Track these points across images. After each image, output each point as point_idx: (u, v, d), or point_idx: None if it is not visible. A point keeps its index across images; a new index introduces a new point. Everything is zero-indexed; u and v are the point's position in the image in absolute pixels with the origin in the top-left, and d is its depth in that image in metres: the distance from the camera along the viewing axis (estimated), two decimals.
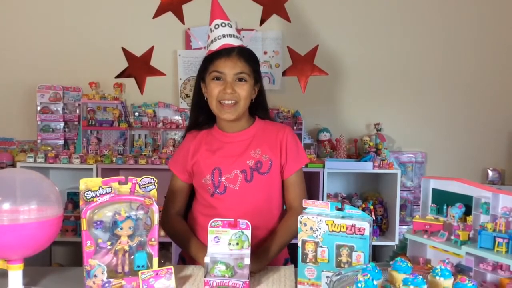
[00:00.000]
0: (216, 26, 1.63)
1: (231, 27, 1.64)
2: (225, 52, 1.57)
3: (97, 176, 2.56)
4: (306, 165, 2.72)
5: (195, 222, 1.65)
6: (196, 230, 1.63)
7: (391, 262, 1.07)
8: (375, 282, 0.96)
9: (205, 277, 1.22)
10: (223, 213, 1.52)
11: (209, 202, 1.60)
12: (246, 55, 1.60)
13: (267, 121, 1.70)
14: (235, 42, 1.61)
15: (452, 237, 1.14)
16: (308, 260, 1.21)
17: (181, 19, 2.29)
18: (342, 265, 1.17)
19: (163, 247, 2.82)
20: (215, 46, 1.60)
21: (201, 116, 1.68)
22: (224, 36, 1.60)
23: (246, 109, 1.62)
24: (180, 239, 1.60)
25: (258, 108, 1.68)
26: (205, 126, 1.68)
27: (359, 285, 0.94)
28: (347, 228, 1.17)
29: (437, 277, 0.98)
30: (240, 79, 1.57)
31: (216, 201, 1.59)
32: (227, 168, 1.58)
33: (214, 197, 1.59)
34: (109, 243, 1.19)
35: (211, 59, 1.59)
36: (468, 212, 1.16)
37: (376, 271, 1.01)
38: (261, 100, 1.68)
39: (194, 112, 1.71)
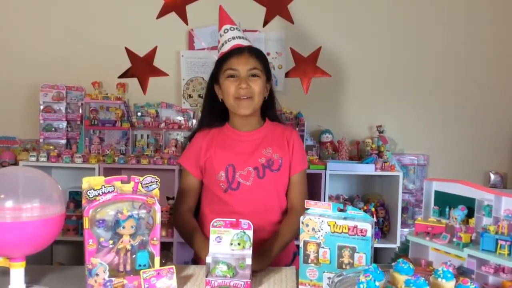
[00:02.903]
0: (226, 31, 1.72)
1: (239, 30, 1.74)
2: (237, 51, 1.66)
3: (99, 176, 2.56)
4: (308, 167, 2.72)
5: (206, 221, 1.66)
6: (207, 229, 1.64)
7: (393, 264, 1.07)
8: (377, 283, 0.95)
9: (206, 277, 1.22)
10: (236, 209, 1.59)
11: (221, 198, 1.64)
12: (256, 53, 1.68)
13: (276, 123, 1.77)
14: (244, 43, 1.70)
15: (454, 239, 1.14)
16: (309, 261, 1.21)
17: (185, 20, 2.29)
18: (344, 266, 1.17)
19: (165, 247, 2.82)
20: (226, 48, 1.69)
21: (213, 117, 1.74)
22: (234, 38, 1.70)
23: (259, 107, 1.69)
24: (189, 236, 1.61)
25: (268, 107, 1.74)
26: (216, 124, 1.73)
27: (361, 286, 0.94)
28: (349, 229, 1.17)
29: (439, 279, 0.98)
30: (253, 75, 1.64)
31: (229, 197, 1.63)
32: (240, 165, 1.64)
33: (227, 193, 1.64)
34: (111, 242, 1.19)
35: (223, 59, 1.67)
36: (470, 214, 1.16)
37: (378, 272, 1.01)
38: (271, 99, 1.76)
39: (206, 114, 1.77)
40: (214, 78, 1.71)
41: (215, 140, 1.69)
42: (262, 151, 1.66)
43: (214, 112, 1.73)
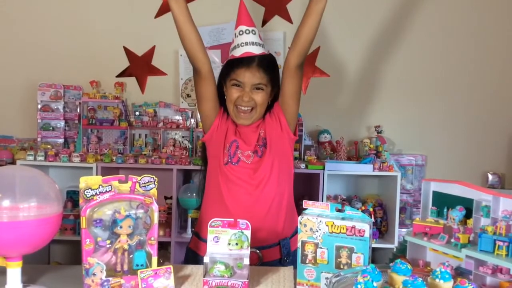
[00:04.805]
0: (241, 33, 1.70)
1: (254, 34, 1.71)
2: (246, 62, 1.66)
3: (96, 175, 2.56)
4: (307, 167, 2.73)
5: (208, 195, 1.75)
6: (209, 203, 1.74)
7: (391, 264, 1.07)
8: (374, 284, 0.95)
9: (204, 276, 1.22)
10: (234, 182, 1.65)
11: (222, 171, 1.68)
12: (266, 65, 1.69)
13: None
14: (256, 51, 1.68)
15: (452, 240, 1.14)
16: (307, 261, 1.21)
17: None
18: (341, 267, 1.17)
19: (162, 247, 2.81)
20: (237, 53, 1.68)
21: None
22: (247, 43, 1.68)
23: (261, 116, 1.73)
24: None
25: (269, 109, 1.77)
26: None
27: (359, 286, 0.94)
28: (347, 229, 1.17)
29: (437, 280, 0.98)
30: (258, 88, 1.67)
31: (228, 170, 1.67)
32: (242, 146, 1.70)
33: (227, 166, 1.67)
34: (108, 241, 1.19)
35: (232, 66, 1.68)
36: (468, 215, 1.16)
37: (376, 272, 1.01)
38: (274, 103, 1.78)
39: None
40: (223, 77, 1.74)
41: (225, 119, 1.75)
42: (260, 135, 1.72)
43: (222, 102, 1.76)
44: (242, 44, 1.68)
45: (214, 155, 1.72)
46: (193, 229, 2.71)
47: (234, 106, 1.68)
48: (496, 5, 3.07)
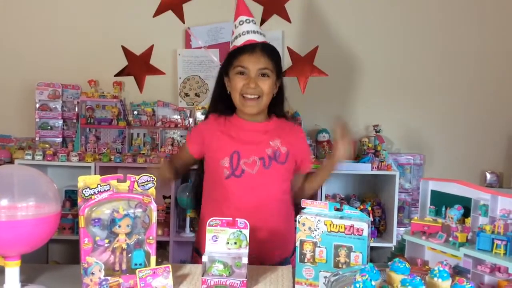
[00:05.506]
0: (241, 23, 1.68)
1: (255, 23, 1.70)
2: (249, 48, 1.63)
3: (95, 174, 2.55)
4: None
5: (206, 210, 1.70)
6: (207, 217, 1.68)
7: (389, 263, 1.07)
8: (373, 283, 0.95)
9: (202, 276, 1.21)
10: (237, 196, 1.60)
11: (222, 184, 1.62)
12: (269, 51, 1.66)
13: (283, 119, 1.76)
14: (258, 38, 1.67)
15: (450, 239, 1.14)
16: (306, 260, 1.21)
17: (181, 18, 2.30)
18: (340, 266, 1.17)
19: (161, 246, 2.81)
20: (239, 42, 1.66)
21: (221, 107, 1.73)
22: (248, 32, 1.66)
23: (267, 106, 1.69)
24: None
25: (276, 104, 1.73)
26: (225, 112, 1.72)
27: (357, 285, 0.94)
28: (345, 228, 1.17)
29: (435, 279, 0.98)
30: (263, 75, 1.63)
31: (231, 183, 1.61)
32: (246, 153, 1.63)
33: (229, 179, 1.61)
34: (106, 240, 1.19)
35: (235, 54, 1.65)
36: (466, 214, 1.16)
37: (374, 271, 1.01)
38: (280, 96, 1.75)
39: (214, 103, 1.76)
40: (225, 70, 1.69)
41: (222, 126, 1.68)
42: (270, 142, 1.65)
43: (223, 102, 1.71)
44: (244, 33, 1.66)
45: (211, 168, 1.69)
46: (194, 231, 2.71)
47: (240, 96, 1.63)
48: (496, 4, 3.07)
